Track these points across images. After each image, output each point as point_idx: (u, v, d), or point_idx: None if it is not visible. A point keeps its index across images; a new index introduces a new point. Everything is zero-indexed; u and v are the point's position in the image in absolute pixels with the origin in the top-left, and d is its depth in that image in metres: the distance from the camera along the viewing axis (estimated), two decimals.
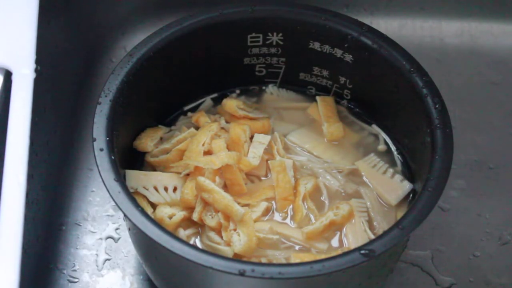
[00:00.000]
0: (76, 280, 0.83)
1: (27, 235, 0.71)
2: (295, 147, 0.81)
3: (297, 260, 0.71)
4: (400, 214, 0.76)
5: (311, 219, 0.76)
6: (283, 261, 0.73)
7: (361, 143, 0.82)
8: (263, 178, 0.78)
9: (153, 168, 0.79)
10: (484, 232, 0.87)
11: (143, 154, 0.79)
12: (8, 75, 0.76)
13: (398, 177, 0.79)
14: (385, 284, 0.82)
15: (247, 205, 0.75)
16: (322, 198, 0.78)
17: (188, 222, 0.75)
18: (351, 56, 0.79)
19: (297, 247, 0.74)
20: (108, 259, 0.84)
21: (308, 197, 0.77)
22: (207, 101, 0.85)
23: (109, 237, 0.86)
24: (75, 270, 0.83)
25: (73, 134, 0.91)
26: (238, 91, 0.85)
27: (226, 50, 0.81)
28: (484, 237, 0.86)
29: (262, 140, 0.78)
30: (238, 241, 0.72)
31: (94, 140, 0.70)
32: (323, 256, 0.69)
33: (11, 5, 0.80)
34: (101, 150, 0.70)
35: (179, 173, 0.77)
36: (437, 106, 0.73)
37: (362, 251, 0.65)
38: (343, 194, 0.78)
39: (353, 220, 0.76)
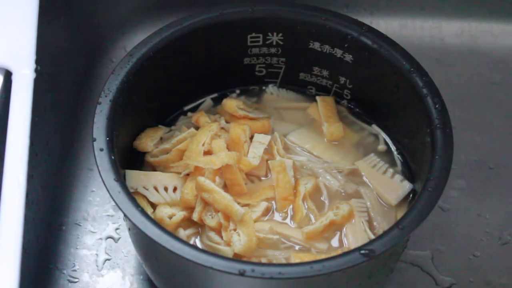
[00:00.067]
0: (76, 280, 0.83)
1: (27, 235, 0.71)
2: (295, 147, 0.81)
3: (297, 260, 0.71)
4: (400, 214, 0.76)
5: (311, 219, 0.76)
6: (283, 261, 0.73)
7: (361, 143, 0.82)
8: (263, 178, 0.78)
9: (153, 168, 0.79)
10: (484, 232, 0.87)
11: (143, 154, 0.79)
12: (8, 75, 0.76)
13: (398, 177, 0.79)
14: (385, 284, 0.82)
15: (247, 205, 0.75)
16: (322, 198, 0.78)
17: (188, 222, 0.75)
18: (351, 56, 0.79)
19: (297, 247, 0.74)
20: (108, 259, 0.84)
21: (308, 197, 0.77)
22: (207, 101, 0.85)
23: (109, 237, 0.86)
24: (75, 270, 0.83)
25: (73, 134, 0.91)
26: (238, 91, 0.85)
27: (226, 50, 0.81)
28: (484, 237, 0.86)
29: (262, 140, 0.78)
30: (238, 241, 0.72)
31: (94, 140, 0.70)
32: (323, 256, 0.69)
33: (11, 5, 0.80)
34: (101, 150, 0.70)
35: (179, 173, 0.77)
36: (437, 106, 0.73)
37: (362, 251, 0.65)
38: (343, 194, 0.78)
39: (353, 220, 0.76)
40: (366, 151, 0.81)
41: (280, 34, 0.80)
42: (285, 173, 0.77)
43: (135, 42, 0.78)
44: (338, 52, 0.80)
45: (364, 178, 0.79)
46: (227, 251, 0.72)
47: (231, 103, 0.81)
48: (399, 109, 0.78)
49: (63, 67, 0.89)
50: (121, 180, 0.69)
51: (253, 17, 0.79)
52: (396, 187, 0.78)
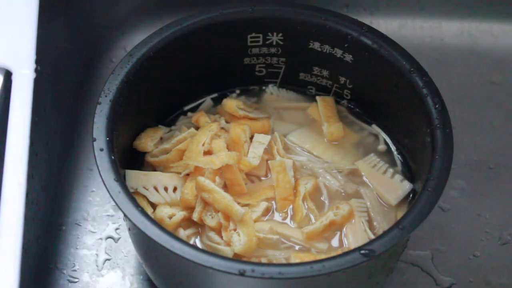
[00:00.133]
0: (76, 280, 0.83)
1: (27, 235, 0.71)
2: (295, 147, 0.81)
3: (297, 260, 0.71)
4: (400, 214, 0.76)
5: (311, 219, 0.76)
6: (283, 261, 0.73)
7: (361, 143, 0.82)
8: (263, 178, 0.78)
9: (153, 168, 0.79)
10: (484, 232, 0.87)
11: (143, 154, 0.79)
12: (8, 75, 0.76)
13: (398, 177, 0.79)
14: (385, 284, 0.82)
15: (247, 205, 0.75)
16: (322, 198, 0.78)
17: (188, 222, 0.75)
18: (351, 56, 0.79)
19: (297, 247, 0.74)
20: (108, 259, 0.84)
21: (308, 197, 0.77)
22: (207, 101, 0.85)
23: (109, 237, 0.86)
24: (75, 270, 0.83)
25: (73, 134, 0.91)
26: (238, 91, 0.85)
27: (226, 50, 0.81)
28: (484, 237, 0.86)
29: (262, 140, 0.78)
30: (238, 241, 0.72)
31: (94, 140, 0.70)
32: (323, 256, 0.69)
33: (11, 5, 0.80)
34: (101, 150, 0.70)
35: (179, 173, 0.77)
36: (437, 106, 0.73)
37: (362, 251, 0.65)
38: (343, 194, 0.78)
39: (353, 220, 0.76)
40: (366, 151, 0.81)
41: (280, 34, 0.80)
42: (285, 173, 0.77)
43: (135, 42, 0.78)
44: (338, 52, 0.80)
45: (364, 178, 0.79)
46: (227, 251, 0.72)
47: (231, 103, 0.81)
48: (399, 109, 0.78)
49: (63, 67, 0.89)
50: (121, 180, 0.69)
51: (253, 17, 0.79)
52: (396, 187, 0.78)
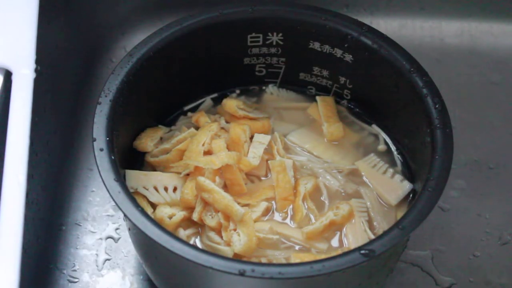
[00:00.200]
0: (76, 280, 0.83)
1: (27, 235, 0.71)
2: (295, 147, 0.81)
3: (297, 260, 0.71)
4: (400, 214, 0.76)
5: (311, 219, 0.76)
6: (283, 261, 0.73)
7: (361, 143, 0.82)
8: (263, 178, 0.78)
9: (153, 168, 0.79)
10: (484, 232, 0.87)
11: (143, 154, 0.79)
12: (8, 75, 0.76)
13: (398, 177, 0.79)
14: (385, 284, 0.82)
15: (247, 205, 0.75)
16: (322, 198, 0.78)
17: (188, 222, 0.75)
18: (351, 56, 0.79)
19: (297, 247, 0.74)
20: (108, 259, 0.84)
21: (308, 197, 0.77)
22: (207, 101, 0.85)
23: (109, 237, 0.86)
24: (75, 270, 0.83)
25: (73, 134, 0.91)
26: (238, 91, 0.85)
27: (226, 50, 0.81)
28: (484, 237, 0.86)
29: (262, 140, 0.78)
30: (238, 241, 0.72)
31: (94, 140, 0.70)
32: (323, 256, 0.69)
33: (11, 5, 0.80)
34: (101, 150, 0.70)
35: (179, 173, 0.77)
36: (437, 106, 0.73)
37: (362, 251, 0.65)
38: (343, 194, 0.78)
39: (353, 220, 0.76)
40: (366, 151, 0.81)
41: (280, 34, 0.80)
42: (285, 173, 0.77)
43: (135, 42, 0.78)
44: (338, 52, 0.80)
45: (364, 178, 0.79)
46: (227, 251, 0.72)
47: (231, 103, 0.81)
48: (399, 109, 0.78)
49: (63, 67, 0.89)
50: (121, 180, 0.69)
51: (253, 17, 0.79)
52: (396, 187, 0.78)
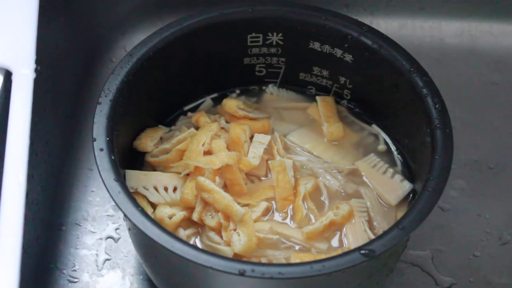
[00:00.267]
0: (76, 280, 0.83)
1: (27, 235, 0.71)
2: (295, 147, 0.81)
3: (297, 260, 0.71)
4: (400, 214, 0.76)
5: (311, 219, 0.76)
6: (283, 261, 0.73)
7: (361, 143, 0.82)
8: (263, 178, 0.78)
9: (153, 168, 0.79)
10: (484, 232, 0.87)
11: (143, 154, 0.79)
12: (8, 75, 0.76)
13: (398, 177, 0.79)
14: (385, 284, 0.82)
15: (247, 205, 0.75)
16: (322, 198, 0.78)
17: (188, 222, 0.75)
18: (351, 56, 0.79)
19: (297, 247, 0.74)
20: (108, 259, 0.84)
21: (308, 197, 0.77)
22: (207, 101, 0.85)
23: (109, 237, 0.86)
24: (75, 270, 0.83)
25: (73, 134, 0.91)
26: (238, 91, 0.85)
27: (226, 50, 0.81)
28: (484, 237, 0.86)
29: (262, 140, 0.78)
30: (238, 241, 0.72)
31: (94, 140, 0.70)
32: (323, 256, 0.69)
33: (11, 5, 0.80)
34: (101, 150, 0.70)
35: (179, 173, 0.77)
36: (437, 106, 0.73)
37: (362, 251, 0.65)
38: (343, 194, 0.78)
39: (353, 220, 0.76)
40: (366, 151, 0.81)
41: (280, 34, 0.80)
42: (285, 173, 0.77)
43: (135, 42, 0.78)
44: (338, 52, 0.80)
45: (364, 178, 0.79)
46: (227, 251, 0.72)
47: (231, 103, 0.81)
48: (399, 109, 0.78)
49: (63, 67, 0.89)
50: (121, 180, 0.69)
51: (253, 17, 0.79)
52: (396, 187, 0.78)
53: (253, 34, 0.80)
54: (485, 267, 0.84)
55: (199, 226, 0.75)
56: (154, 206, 0.76)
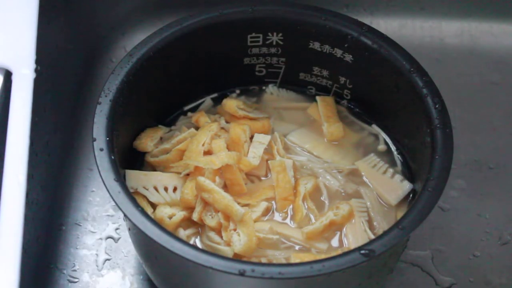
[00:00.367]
0: (76, 280, 0.83)
1: (27, 235, 0.71)
2: (295, 147, 0.81)
3: (297, 260, 0.71)
4: (400, 214, 0.76)
5: (311, 219, 0.76)
6: (283, 261, 0.73)
7: (361, 143, 0.82)
8: (263, 178, 0.78)
9: (153, 168, 0.79)
10: (484, 232, 0.87)
11: (143, 154, 0.79)
12: (8, 75, 0.76)
13: (398, 177, 0.79)
14: (385, 284, 0.82)
15: (247, 205, 0.75)
16: (322, 198, 0.78)
17: (188, 222, 0.75)
18: (351, 56, 0.79)
19: (297, 247, 0.74)
20: (108, 259, 0.84)
21: (308, 197, 0.77)
22: (207, 101, 0.85)
23: (109, 237, 0.86)
24: (75, 270, 0.83)
25: (73, 134, 0.91)
26: (238, 91, 0.85)
27: (226, 50, 0.81)
28: (484, 237, 0.86)
29: (262, 140, 0.78)
30: (238, 241, 0.72)
31: (94, 140, 0.70)
32: (323, 256, 0.69)
33: (11, 5, 0.80)
34: (101, 150, 0.70)
35: (179, 173, 0.77)
36: (437, 106, 0.73)
37: (362, 251, 0.65)
38: (343, 194, 0.78)
39: (353, 220, 0.76)
40: (366, 151, 0.81)
41: (280, 34, 0.80)
42: (285, 173, 0.77)
43: (135, 42, 0.78)
44: (338, 52, 0.80)
45: (364, 178, 0.79)
46: (227, 251, 0.72)
47: (231, 103, 0.81)
48: (399, 109, 0.78)
49: (63, 67, 0.89)
50: (121, 180, 0.69)
51: (253, 17, 0.79)
52: (396, 187, 0.78)
53: (253, 34, 0.80)
54: (485, 267, 0.84)
55: (199, 226, 0.75)
56: (154, 206, 0.76)
